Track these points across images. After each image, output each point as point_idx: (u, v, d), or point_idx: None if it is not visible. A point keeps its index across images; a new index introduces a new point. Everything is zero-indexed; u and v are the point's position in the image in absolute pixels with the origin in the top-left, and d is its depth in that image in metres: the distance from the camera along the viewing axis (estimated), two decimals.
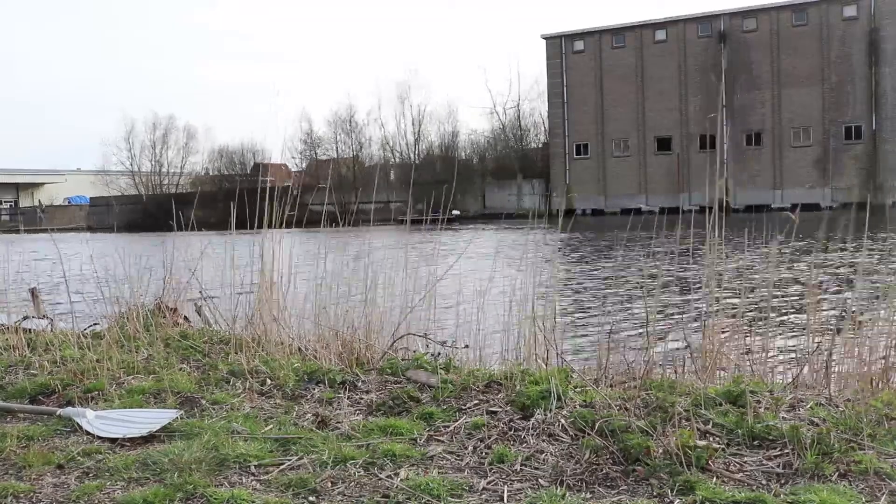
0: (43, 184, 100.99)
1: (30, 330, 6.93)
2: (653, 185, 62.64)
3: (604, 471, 3.51)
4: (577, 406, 4.21)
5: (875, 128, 57.15)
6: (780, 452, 3.61)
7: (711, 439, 3.71)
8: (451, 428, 4.15)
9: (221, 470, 3.69)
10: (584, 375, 4.85)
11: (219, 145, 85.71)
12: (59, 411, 4.67)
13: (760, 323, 5.95)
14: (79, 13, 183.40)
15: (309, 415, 4.46)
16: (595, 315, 13.18)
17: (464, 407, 4.45)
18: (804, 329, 5.85)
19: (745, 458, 3.60)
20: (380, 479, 3.54)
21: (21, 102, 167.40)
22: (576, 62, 65.80)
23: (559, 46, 66.20)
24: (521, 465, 3.65)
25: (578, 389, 4.50)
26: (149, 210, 68.44)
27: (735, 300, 5.82)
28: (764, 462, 3.55)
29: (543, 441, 3.91)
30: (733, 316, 5.57)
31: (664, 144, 62.96)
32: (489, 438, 3.97)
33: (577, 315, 13.64)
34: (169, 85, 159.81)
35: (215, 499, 3.34)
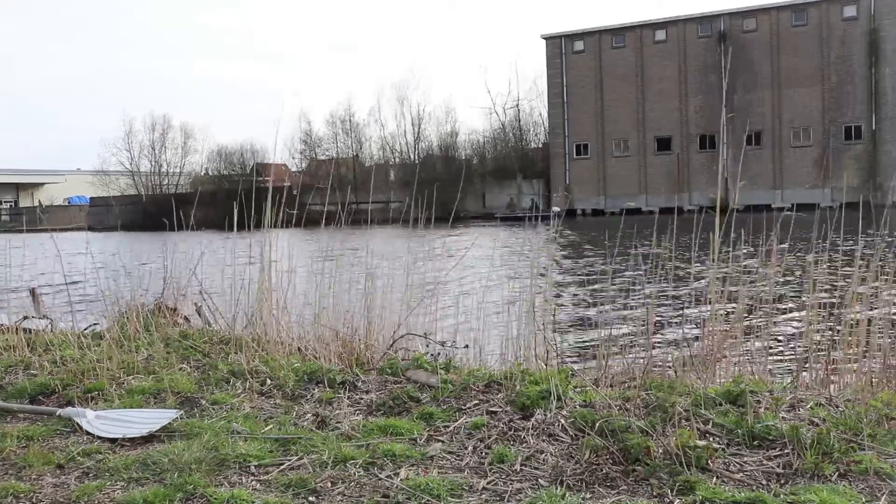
0: (43, 184, 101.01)
1: (30, 330, 6.93)
2: (653, 185, 62.58)
3: (604, 471, 3.50)
4: (577, 406, 4.21)
5: (875, 128, 57.12)
6: (780, 452, 3.61)
7: (711, 439, 3.71)
8: (451, 428, 4.15)
9: (221, 470, 3.68)
10: (584, 375, 4.85)
11: (218, 145, 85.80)
12: (59, 411, 4.67)
13: (760, 323, 5.95)
14: (79, 13, 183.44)
15: (309, 415, 4.46)
16: (595, 315, 13.16)
17: (464, 407, 4.44)
18: (804, 329, 5.84)
19: (745, 458, 3.59)
20: (380, 479, 3.54)
21: (21, 102, 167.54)
22: (576, 62, 65.74)
23: (559, 46, 66.16)
24: (521, 465, 3.65)
25: (578, 389, 4.50)
26: (149, 210, 68.42)
27: (735, 300, 5.81)
28: (764, 462, 3.55)
29: (543, 441, 3.91)
30: (732, 314, 5.57)
31: (664, 144, 62.92)
32: (489, 438, 3.97)
33: (577, 315, 13.62)
34: (169, 85, 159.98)
35: (215, 499, 3.34)
